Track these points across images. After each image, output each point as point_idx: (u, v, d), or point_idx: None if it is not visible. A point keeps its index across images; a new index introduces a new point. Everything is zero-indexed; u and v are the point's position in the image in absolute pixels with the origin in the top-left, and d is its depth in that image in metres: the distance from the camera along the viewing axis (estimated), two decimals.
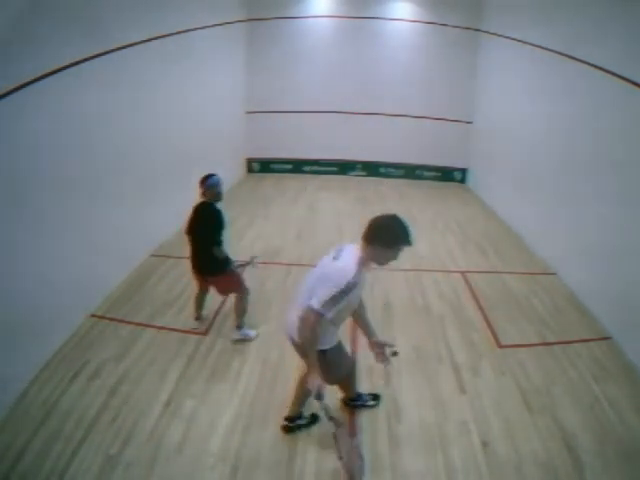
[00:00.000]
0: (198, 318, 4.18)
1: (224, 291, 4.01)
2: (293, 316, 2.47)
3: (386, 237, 2.28)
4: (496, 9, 8.67)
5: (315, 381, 2.35)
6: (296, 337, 2.47)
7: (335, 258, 2.35)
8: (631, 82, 4.18)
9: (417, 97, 9.98)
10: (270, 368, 3.63)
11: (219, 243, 3.66)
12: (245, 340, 3.95)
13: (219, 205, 3.72)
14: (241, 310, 3.94)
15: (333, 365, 2.63)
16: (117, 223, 4.69)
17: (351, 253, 2.34)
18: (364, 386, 3.43)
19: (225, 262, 3.73)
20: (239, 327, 3.97)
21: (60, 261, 3.72)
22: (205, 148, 7.21)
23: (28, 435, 2.86)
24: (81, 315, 4.17)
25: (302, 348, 2.46)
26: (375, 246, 2.29)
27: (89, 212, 4.16)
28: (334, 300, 2.22)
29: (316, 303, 2.23)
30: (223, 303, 4.45)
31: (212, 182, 3.61)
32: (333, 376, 2.70)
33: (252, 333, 4.01)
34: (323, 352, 2.49)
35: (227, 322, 4.20)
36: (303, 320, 2.30)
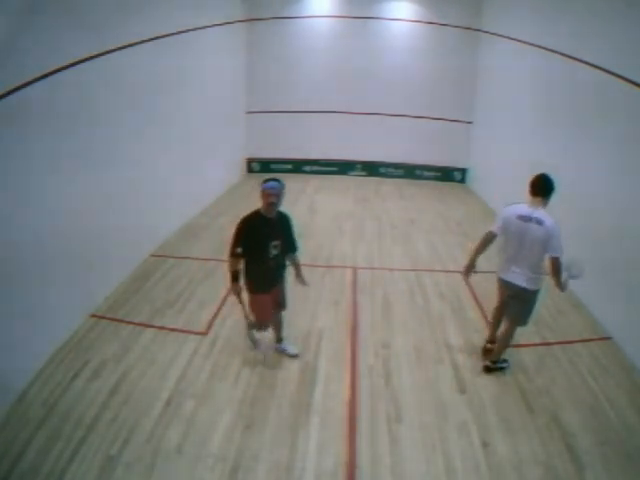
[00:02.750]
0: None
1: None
2: (521, 273, 3.33)
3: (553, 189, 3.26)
4: (496, 9, 8.68)
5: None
6: (525, 284, 3.31)
7: (539, 222, 3.14)
8: (633, 83, 4.17)
9: (417, 97, 9.99)
10: (270, 368, 3.63)
11: (234, 254, 3.20)
12: (287, 353, 3.76)
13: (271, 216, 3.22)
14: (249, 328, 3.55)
15: (533, 308, 3.46)
16: (117, 223, 4.69)
17: (541, 212, 3.18)
18: (364, 384, 3.44)
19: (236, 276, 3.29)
20: (278, 341, 3.80)
21: (60, 261, 3.72)
22: (205, 148, 7.20)
23: (28, 435, 2.86)
24: (81, 315, 4.18)
25: (526, 294, 3.36)
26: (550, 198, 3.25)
27: (88, 212, 4.16)
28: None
29: (558, 252, 3.13)
30: (223, 304, 4.46)
31: (263, 188, 3.18)
32: (528, 318, 3.51)
33: (292, 350, 3.77)
34: (536, 292, 3.37)
35: (227, 322, 4.20)
36: (556, 267, 3.17)
